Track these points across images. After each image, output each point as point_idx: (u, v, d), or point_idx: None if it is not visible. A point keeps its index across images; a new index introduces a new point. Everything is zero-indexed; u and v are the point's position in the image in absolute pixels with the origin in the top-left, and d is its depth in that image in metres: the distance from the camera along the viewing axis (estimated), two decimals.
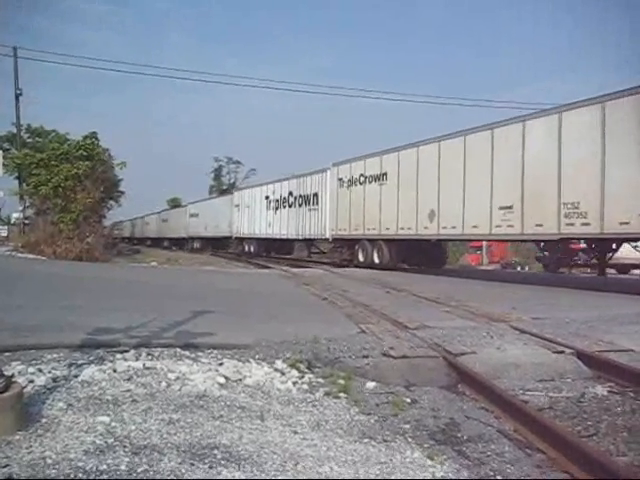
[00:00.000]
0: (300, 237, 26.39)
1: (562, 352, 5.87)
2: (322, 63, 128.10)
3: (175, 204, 60.22)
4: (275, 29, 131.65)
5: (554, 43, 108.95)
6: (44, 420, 3.41)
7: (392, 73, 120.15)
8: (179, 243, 47.74)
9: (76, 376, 4.38)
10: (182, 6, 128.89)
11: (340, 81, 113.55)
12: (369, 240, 20.30)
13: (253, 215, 31.73)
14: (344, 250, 22.46)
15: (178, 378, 4.50)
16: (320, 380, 4.91)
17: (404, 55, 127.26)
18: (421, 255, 20.18)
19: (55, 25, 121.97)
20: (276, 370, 5.05)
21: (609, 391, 5.04)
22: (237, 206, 34.32)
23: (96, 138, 24.11)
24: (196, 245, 44.00)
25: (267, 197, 29.96)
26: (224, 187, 64.34)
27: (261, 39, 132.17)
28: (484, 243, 32.39)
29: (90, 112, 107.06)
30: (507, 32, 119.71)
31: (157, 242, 54.95)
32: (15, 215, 34.77)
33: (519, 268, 31.07)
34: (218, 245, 40.52)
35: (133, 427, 3.38)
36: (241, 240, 33.82)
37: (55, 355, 5.06)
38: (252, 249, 31.99)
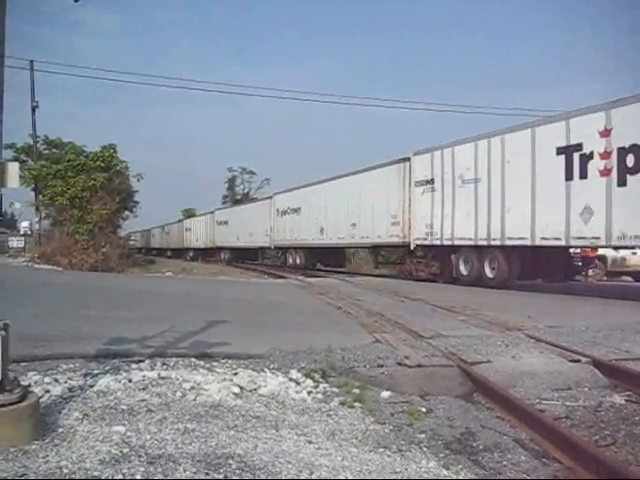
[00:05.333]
0: None
1: (578, 361, 5.82)
2: (328, 66, 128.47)
3: (189, 214, 57.07)
4: (281, 34, 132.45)
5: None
6: (60, 430, 3.43)
7: (402, 77, 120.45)
8: (255, 255, 33.07)
9: (92, 386, 4.41)
10: (187, 15, 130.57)
11: (348, 85, 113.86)
12: None
13: (490, 196, 15.11)
14: None
15: (193, 388, 4.51)
16: (335, 389, 4.90)
17: (414, 57, 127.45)
18: None
19: (63, 37, 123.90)
20: (291, 380, 5.05)
21: (626, 400, 4.98)
22: (425, 184, 17.71)
23: (114, 150, 24.35)
24: (294, 259, 27.20)
25: (574, 147, 12.60)
26: (238, 197, 64.43)
27: (266, 43, 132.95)
28: None
29: (97, 122, 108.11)
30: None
31: (205, 254, 39.64)
32: (24, 224, 35.01)
33: None
34: (335, 260, 26.22)
35: (148, 437, 3.40)
36: (447, 251, 17.15)
37: (71, 365, 5.10)
38: (490, 272, 15.60)
